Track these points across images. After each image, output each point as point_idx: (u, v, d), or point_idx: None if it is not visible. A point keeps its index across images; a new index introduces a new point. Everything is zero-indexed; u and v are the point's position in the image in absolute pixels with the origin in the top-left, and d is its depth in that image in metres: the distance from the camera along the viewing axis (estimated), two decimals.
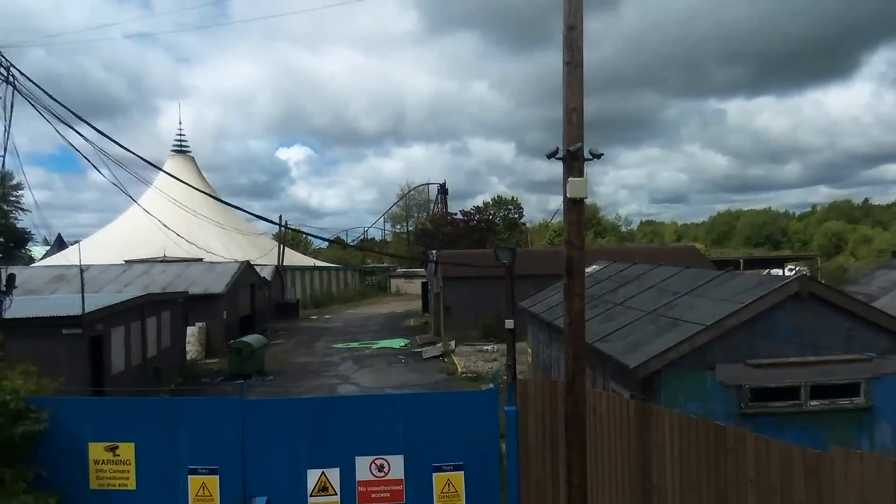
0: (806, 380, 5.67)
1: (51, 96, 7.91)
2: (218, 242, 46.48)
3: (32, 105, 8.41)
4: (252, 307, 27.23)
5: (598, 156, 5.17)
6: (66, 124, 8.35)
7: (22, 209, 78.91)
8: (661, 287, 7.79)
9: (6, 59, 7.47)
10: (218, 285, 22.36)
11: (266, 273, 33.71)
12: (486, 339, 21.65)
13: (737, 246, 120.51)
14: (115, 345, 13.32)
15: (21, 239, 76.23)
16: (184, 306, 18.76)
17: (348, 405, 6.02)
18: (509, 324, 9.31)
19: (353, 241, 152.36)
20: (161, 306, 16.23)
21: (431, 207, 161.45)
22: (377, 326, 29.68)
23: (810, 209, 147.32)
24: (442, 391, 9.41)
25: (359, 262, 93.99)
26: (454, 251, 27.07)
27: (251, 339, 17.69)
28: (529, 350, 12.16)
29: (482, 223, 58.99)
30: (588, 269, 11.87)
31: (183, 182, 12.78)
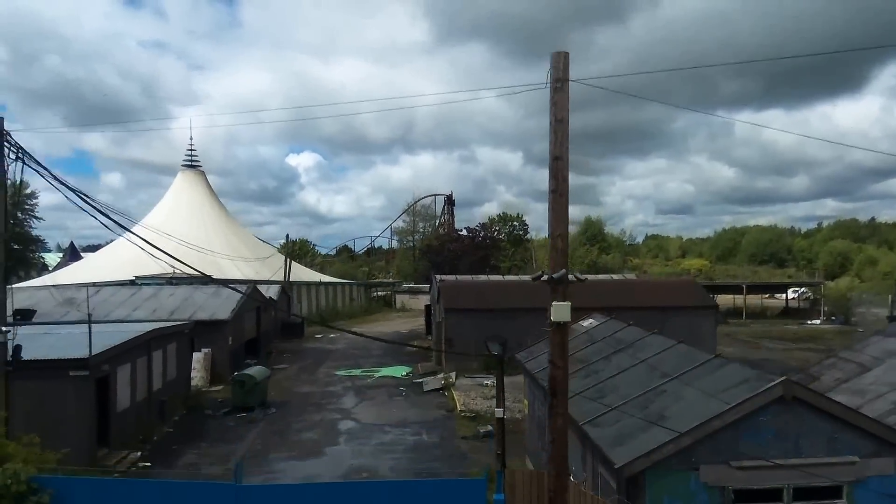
0: (789, 482, 5.70)
1: (57, 178, 8.23)
2: (227, 259, 46.76)
3: (42, 177, 8.80)
4: (258, 329, 27.39)
5: (582, 280, 5.25)
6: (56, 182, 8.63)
7: (36, 217, 79.93)
8: (653, 363, 7.83)
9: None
10: (224, 311, 22.54)
11: (272, 292, 33.88)
12: (486, 371, 21.65)
13: (741, 262, 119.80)
14: (121, 383, 13.48)
15: (33, 242, 76.73)
16: (190, 335, 18.93)
17: (339, 491, 6.09)
18: (498, 412, 9.42)
19: (361, 250, 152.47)
20: (167, 339, 16.40)
21: (438, 219, 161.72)
22: (380, 350, 29.75)
23: (816, 226, 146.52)
24: (430, 479, 9.45)
25: (364, 276, 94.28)
26: (457, 281, 27.09)
27: (254, 371, 17.81)
28: (525, 402, 12.18)
29: (487, 240, 59.09)
30: (584, 324, 11.91)
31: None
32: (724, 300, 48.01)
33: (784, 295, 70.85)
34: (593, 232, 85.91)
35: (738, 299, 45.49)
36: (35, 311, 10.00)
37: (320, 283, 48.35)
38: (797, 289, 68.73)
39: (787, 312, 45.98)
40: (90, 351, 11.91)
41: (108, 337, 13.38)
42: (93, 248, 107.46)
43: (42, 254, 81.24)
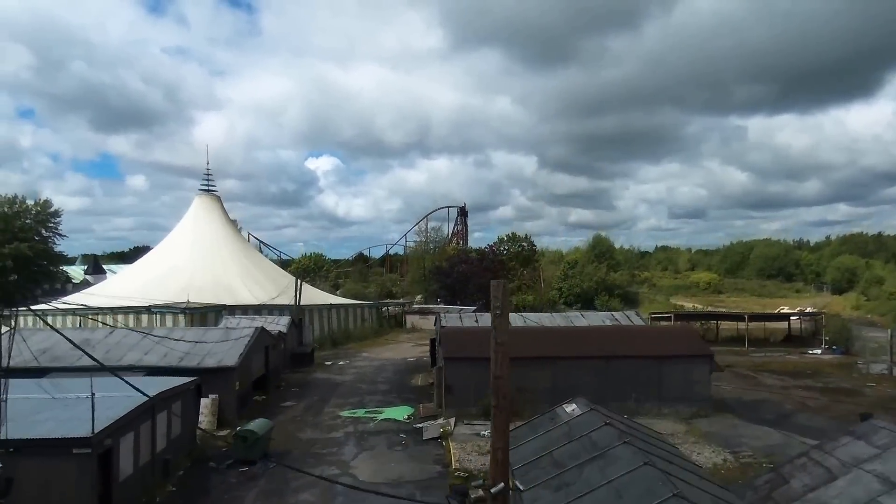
0: None
1: None
2: (239, 281, 47.35)
3: None
4: (266, 367, 27.69)
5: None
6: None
7: (60, 235, 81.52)
8: (618, 487, 7.85)
9: None
10: (231, 356, 22.83)
11: (282, 325, 34.23)
12: (485, 418, 21.69)
13: (750, 276, 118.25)
14: (124, 453, 13.74)
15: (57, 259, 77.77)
16: (197, 388, 19.22)
17: None
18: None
19: (376, 259, 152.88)
20: (173, 398, 16.69)
21: (451, 229, 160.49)
22: (386, 384, 29.90)
23: (825, 238, 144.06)
24: None
25: (377, 294, 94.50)
26: (459, 329, 27.12)
27: (256, 425, 18.03)
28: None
29: (496, 262, 59.05)
30: (567, 409, 11.91)
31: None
32: (727, 326, 47.56)
33: (787, 323, 69.76)
34: (602, 249, 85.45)
35: (742, 324, 44.96)
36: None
37: (332, 306, 48.71)
38: (798, 315, 67.68)
39: (790, 338, 45.28)
40: (93, 428, 12.19)
41: (113, 404, 13.65)
42: (116, 256, 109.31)
43: (66, 267, 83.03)
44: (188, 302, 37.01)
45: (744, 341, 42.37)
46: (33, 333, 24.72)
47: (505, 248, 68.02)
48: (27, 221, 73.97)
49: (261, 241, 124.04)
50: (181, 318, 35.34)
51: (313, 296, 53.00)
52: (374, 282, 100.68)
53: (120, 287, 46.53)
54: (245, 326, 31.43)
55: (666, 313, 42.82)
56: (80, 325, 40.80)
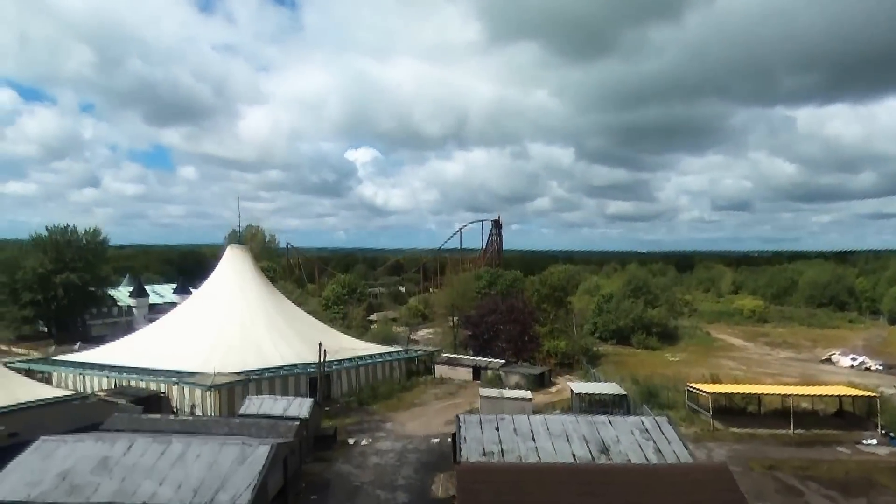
0: None
1: None
2: (268, 339, 47.36)
3: None
4: (284, 477, 27.12)
5: None
6: None
7: (106, 261, 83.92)
8: None
9: None
10: (245, 479, 22.22)
11: (306, 408, 33.65)
12: None
13: (798, 304, 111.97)
14: None
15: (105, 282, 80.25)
16: None
17: None
18: None
19: (414, 270, 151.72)
20: None
21: (486, 240, 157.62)
22: (406, 492, 28.88)
23: (878, 262, 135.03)
24: None
25: (409, 316, 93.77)
26: (484, 465, 25.69)
27: None
28: None
29: (526, 314, 57.22)
30: None
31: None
32: (771, 400, 44.30)
33: (831, 354, 64.81)
34: (637, 284, 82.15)
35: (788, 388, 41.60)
36: None
37: (359, 364, 48.15)
38: (853, 361, 63.03)
39: (841, 413, 41.76)
40: None
41: None
42: (155, 281, 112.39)
43: (112, 290, 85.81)
44: (214, 375, 37.00)
45: (789, 416, 38.98)
46: (57, 447, 24.81)
47: (535, 290, 65.97)
48: (82, 244, 76.77)
49: (292, 253, 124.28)
50: (207, 396, 35.32)
51: (342, 344, 52.66)
52: (405, 307, 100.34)
53: (153, 340, 47.28)
54: (265, 416, 31.07)
55: (704, 389, 40.05)
56: (114, 384, 41.55)
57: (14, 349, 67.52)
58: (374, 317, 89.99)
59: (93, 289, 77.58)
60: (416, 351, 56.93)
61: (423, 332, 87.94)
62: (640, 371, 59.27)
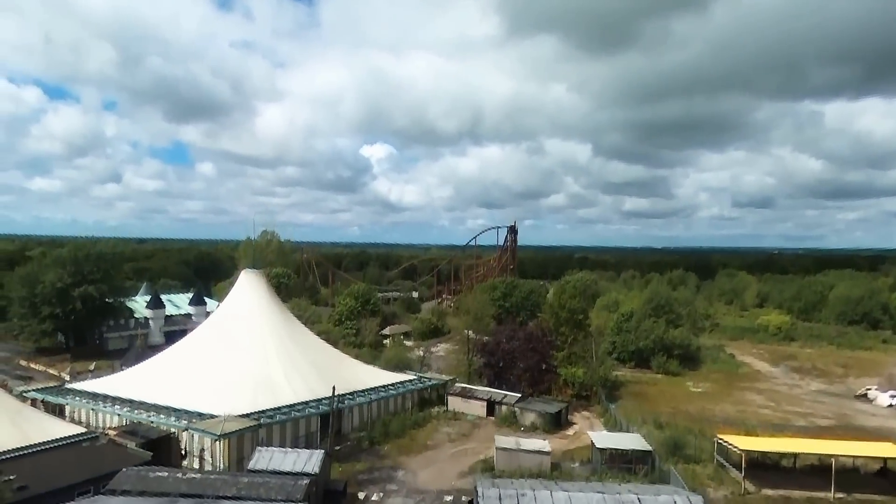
0: None
1: None
2: (281, 373, 46.77)
3: None
4: None
5: None
6: None
7: (128, 278, 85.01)
8: None
9: None
10: None
11: (315, 462, 32.89)
12: None
13: (827, 320, 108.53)
14: None
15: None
16: None
17: None
18: None
19: (429, 275, 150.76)
20: None
21: (501, 245, 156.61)
22: None
23: None
24: None
25: (422, 330, 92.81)
26: None
27: None
28: None
29: (544, 343, 55.80)
30: None
31: None
32: (808, 450, 42.17)
33: (868, 390, 61.63)
34: (659, 302, 80.00)
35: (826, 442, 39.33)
36: None
37: (371, 400, 47.34)
38: (892, 399, 60.23)
39: (885, 472, 39.61)
40: None
41: None
42: (169, 289, 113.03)
43: (130, 301, 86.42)
44: (224, 421, 36.43)
45: (827, 472, 36.72)
46: None
47: (554, 313, 64.31)
48: (103, 252, 77.41)
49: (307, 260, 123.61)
50: (217, 445, 34.79)
51: (355, 374, 51.96)
52: (418, 320, 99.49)
53: (165, 370, 46.99)
54: (275, 472, 30.39)
55: (736, 445, 38.00)
56: (126, 421, 41.30)
57: (32, 365, 68.26)
58: (387, 331, 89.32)
59: (110, 300, 78.11)
60: (429, 380, 55.98)
61: (438, 349, 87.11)
62: (662, 406, 57.60)
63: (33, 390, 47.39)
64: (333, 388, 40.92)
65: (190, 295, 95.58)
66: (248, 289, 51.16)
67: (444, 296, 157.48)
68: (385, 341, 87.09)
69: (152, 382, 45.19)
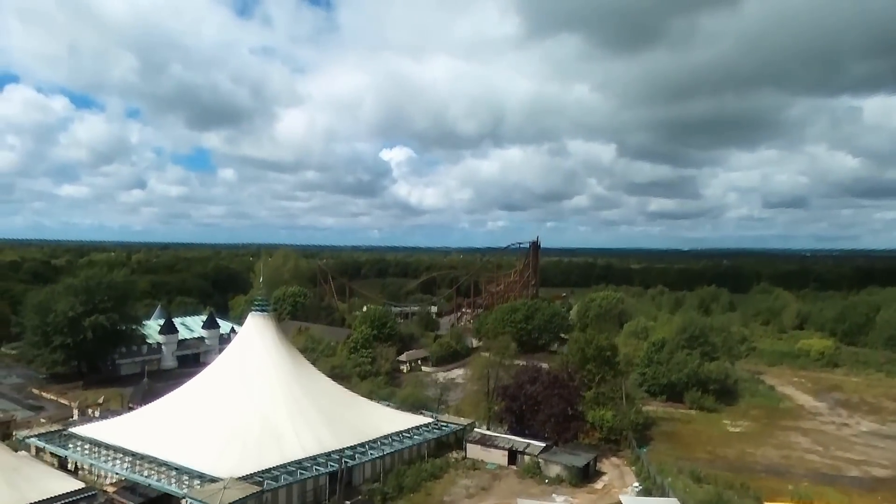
0: None
1: None
2: (289, 425, 44.64)
3: None
4: None
5: None
6: None
7: (147, 293, 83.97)
8: None
9: None
10: None
11: None
12: None
13: (875, 345, 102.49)
14: None
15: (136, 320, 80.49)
16: None
17: None
18: None
19: (450, 290, 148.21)
20: None
21: (522, 262, 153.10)
22: None
23: None
24: None
25: (441, 352, 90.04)
26: None
27: None
28: None
29: (571, 388, 52.54)
30: None
31: None
32: None
33: None
34: (693, 332, 75.82)
35: None
36: None
37: (384, 454, 44.75)
38: None
39: None
40: None
41: None
42: (184, 308, 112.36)
43: (144, 324, 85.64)
44: (225, 488, 34.24)
45: None
46: None
47: (581, 350, 61.01)
48: (115, 281, 76.83)
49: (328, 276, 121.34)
50: None
51: (367, 418, 49.57)
52: (437, 341, 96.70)
53: (170, 418, 45.17)
54: None
55: None
56: (127, 471, 39.55)
57: (44, 393, 67.53)
58: (403, 357, 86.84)
59: (122, 327, 77.26)
60: (447, 424, 53.18)
61: (456, 376, 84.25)
62: (698, 450, 53.93)
63: (36, 436, 46.08)
64: (343, 461, 38.58)
65: (204, 317, 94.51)
66: (255, 333, 49.20)
67: (463, 310, 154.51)
68: (402, 367, 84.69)
69: (155, 431, 43.39)
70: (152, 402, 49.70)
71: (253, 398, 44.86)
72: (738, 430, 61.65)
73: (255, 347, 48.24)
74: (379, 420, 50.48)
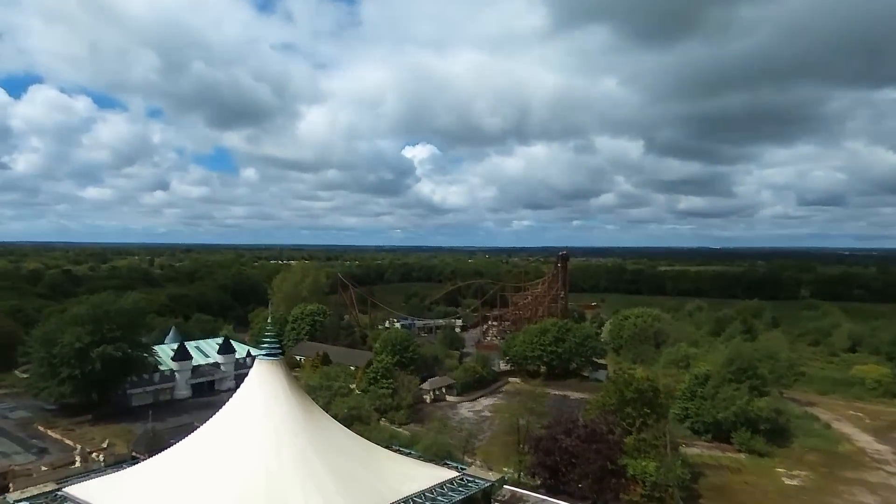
0: None
1: None
2: (297, 487, 40.65)
3: None
4: None
5: None
6: None
7: (165, 306, 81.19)
8: None
9: None
10: None
11: None
12: None
13: None
14: None
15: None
16: None
17: None
18: None
19: (478, 302, 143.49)
20: None
21: (552, 270, 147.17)
22: None
23: None
24: None
25: (467, 378, 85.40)
26: None
27: None
28: None
29: (612, 444, 47.62)
30: None
31: None
32: None
33: None
34: (741, 365, 69.75)
35: None
36: None
37: None
38: None
39: None
40: None
41: None
42: (201, 327, 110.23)
43: (156, 348, 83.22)
44: None
45: None
46: None
47: (618, 392, 55.93)
48: (123, 308, 74.47)
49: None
50: None
51: (384, 477, 45.44)
52: (461, 368, 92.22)
53: (165, 485, 41.72)
54: None
55: None
56: None
57: (49, 431, 65.28)
58: (426, 385, 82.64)
59: (132, 354, 74.70)
60: (473, 480, 48.70)
61: (483, 405, 79.84)
62: None
63: (26, 499, 43.09)
64: None
65: (220, 341, 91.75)
66: (263, 382, 45.37)
67: (489, 322, 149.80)
68: (425, 397, 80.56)
69: (153, 495, 39.90)
70: (155, 455, 46.39)
71: (259, 459, 41.05)
72: (795, 483, 55.83)
73: (261, 401, 44.41)
74: (399, 478, 46.19)
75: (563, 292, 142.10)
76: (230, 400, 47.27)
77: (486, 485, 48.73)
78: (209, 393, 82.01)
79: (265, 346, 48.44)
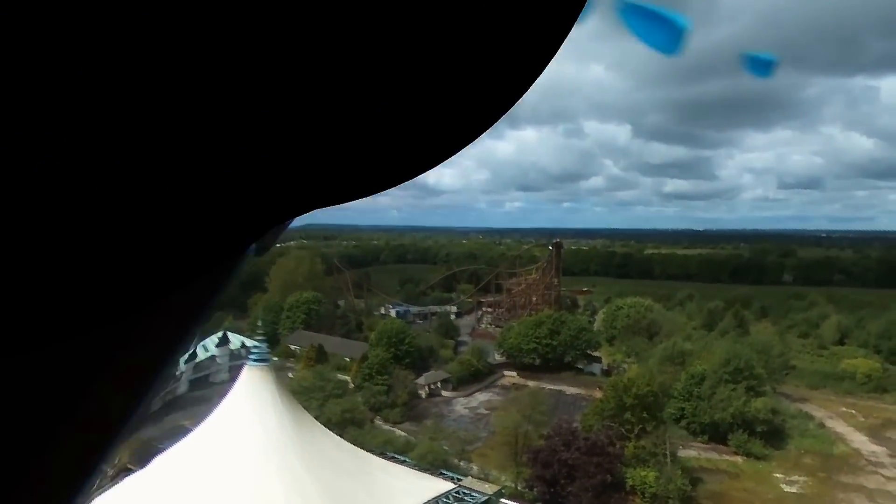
0: None
1: None
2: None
3: None
4: None
5: None
6: None
7: None
8: None
9: None
10: None
11: None
12: None
13: None
14: None
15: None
16: None
17: None
18: None
19: (476, 288, 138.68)
20: None
21: (546, 258, 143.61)
22: None
23: None
24: None
25: (462, 372, 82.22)
26: None
27: None
28: None
29: (613, 456, 44.41)
30: None
31: None
32: None
33: None
34: (738, 365, 66.64)
35: None
36: None
37: None
38: None
39: None
40: None
41: None
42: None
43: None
44: None
45: None
46: None
47: (617, 398, 52.70)
48: None
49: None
50: None
51: (376, 492, 42.22)
52: (457, 361, 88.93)
53: (151, 500, 38.28)
54: None
55: None
56: None
57: None
58: (421, 380, 79.34)
59: None
60: (469, 493, 45.58)
61: (479, 401, 76.83)
62: None
63: None
64: None
65: (220, 334, 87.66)
66: (251, 392, 41.78)
67: (483, 309, 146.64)
68: (420, 392, 77.39)
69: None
70: (142, 469, 42.92)
71: (245, 476, 37.61)
72: (793, 490, 53.26)
73: (249, 411, 40.88)
74: (392, 491, 43.01)
75: (556, 280, 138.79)
76: (216, 409, 43.66)
77: (483, 499, 45.66)
78: (204, 386, 78.42)
79: (254, 351, 44.76)
